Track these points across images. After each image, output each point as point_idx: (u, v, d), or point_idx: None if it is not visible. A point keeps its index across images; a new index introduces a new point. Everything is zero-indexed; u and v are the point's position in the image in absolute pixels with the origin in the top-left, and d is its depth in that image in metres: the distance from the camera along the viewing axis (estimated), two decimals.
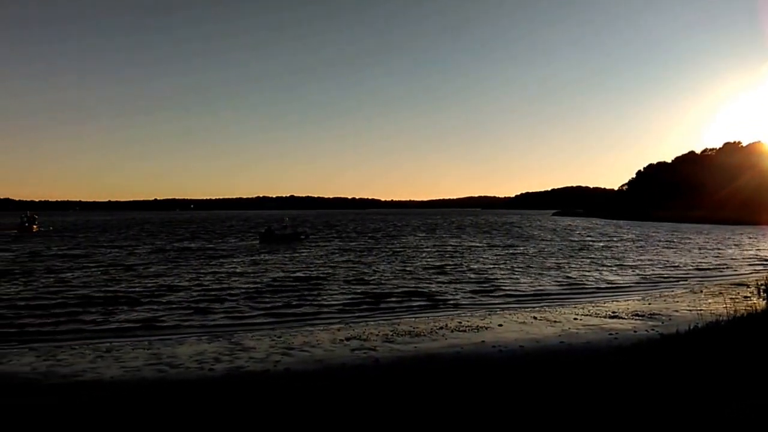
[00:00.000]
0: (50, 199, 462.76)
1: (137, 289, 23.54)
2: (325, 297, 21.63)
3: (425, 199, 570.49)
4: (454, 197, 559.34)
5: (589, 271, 30.42)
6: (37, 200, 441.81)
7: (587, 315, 17.25)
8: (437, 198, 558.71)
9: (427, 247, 48.54)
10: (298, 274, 28.76)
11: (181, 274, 28.79)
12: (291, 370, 10.76)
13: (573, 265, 33.54)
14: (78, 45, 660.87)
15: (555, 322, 16.12)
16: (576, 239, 60.46)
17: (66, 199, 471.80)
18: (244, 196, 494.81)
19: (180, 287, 24.14)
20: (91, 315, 18.17)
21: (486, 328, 15.16)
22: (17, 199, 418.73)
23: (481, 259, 37.27)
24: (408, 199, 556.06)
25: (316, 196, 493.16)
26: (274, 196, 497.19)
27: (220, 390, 9.37)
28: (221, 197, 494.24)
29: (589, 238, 61.58)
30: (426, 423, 6.94)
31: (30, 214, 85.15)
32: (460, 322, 16.08)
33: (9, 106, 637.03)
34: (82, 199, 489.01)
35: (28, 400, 9.23)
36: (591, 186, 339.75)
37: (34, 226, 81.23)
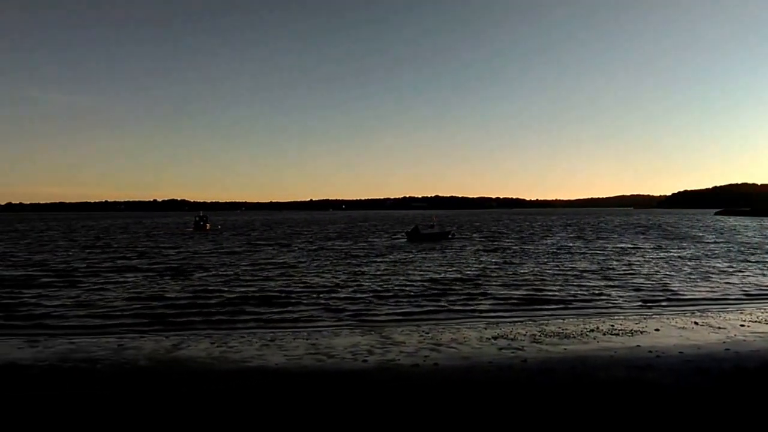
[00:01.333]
0: (219, 200, 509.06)
1: (293, 285, 25.17)
2: (471, 296, 21.69)
3: (572, 198, 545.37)
4: (604, 196, 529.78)
5: (757, 276, 27.41)
6: (208, 201, 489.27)
7: (756, 322, 15.63)
8: (585, 197, 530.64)
9: (576, 248, 46.57)
10: (444, 272, 29.07)
11: (332, 271, 30.33)
12: (440, 366, 10.99)
13: (739, 269, 30.40)
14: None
15: (719, 328, 14.80)
16: (743, 240, 54.51)
17: (233, 200, 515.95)
18: (392, 197, 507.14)
19: (330, 283, 25.47)
20: (256, 307, 19.82)
21: (641, 333, 14.32)
22: (192, 200, 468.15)
23: (636, 261, 35.03)
24: (554, 198, 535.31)
25: (460, 195, 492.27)
26: (420, 196, 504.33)
27: (375, 380, 9.84)
28: (370, 198, 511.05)
29: (757, 240, 55.23)
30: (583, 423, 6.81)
31: (203, 214, 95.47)
32: (612, 326, 15.33)
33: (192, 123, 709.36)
34: (248, 200, 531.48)
35: (207, 385, 10.32)
36: (759, 183, 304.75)
37: (207, 225, 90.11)
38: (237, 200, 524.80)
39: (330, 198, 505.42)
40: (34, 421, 5.71)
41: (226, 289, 24.07)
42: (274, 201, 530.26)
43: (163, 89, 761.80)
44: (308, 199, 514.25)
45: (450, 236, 61.09)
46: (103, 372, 11.06)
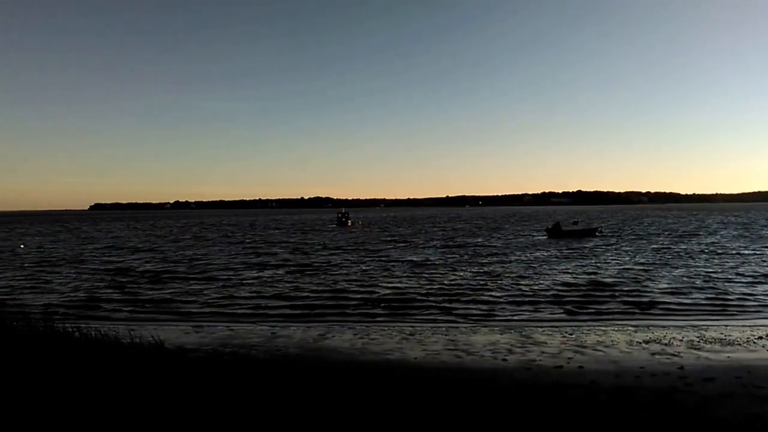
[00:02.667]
0: (360, 198, 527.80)
1: (427, 283, 25.38)
2: (618, 297, 20.51)
3: (735, 192, 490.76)
4: None
5: None
6: (350, 198, 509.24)
7: None
8: (753, 190, 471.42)
9: (738, 248, 42.10)
10: (588, 271, 27.77)
11: (466, 269, 30.19)
12: (585, 369, 10.52)
13: None
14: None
15: None
16: None
17: (372, 197, 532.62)
18: (530, 192, 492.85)
19: (466, 281, 25.36)
20: (393, 302, 20.29)
21: None
22: (335, 197, 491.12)
23: None
24: (713, 192, 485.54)
25: (605, 190, 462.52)
26: (560, 191, 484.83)
27: (516, 380, 9.65)
28: (507, 193, 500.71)
29: None
30: None
31: (345, 211, 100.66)
32: None
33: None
34: (386, 197, 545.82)
35: (352, 374, 10.72)
36: None
37: (349, 222, 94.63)
38: (376, 197, 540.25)
39: (466, 194, 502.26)
40: (203, 395, 6.35)
41: (366, 281, 24.87)
42: (411, 198, 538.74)
43: (308, 95, 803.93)
44: (444, 196, 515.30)
45: (597, 233, 57.43)
46: (258, 358, 11.92)
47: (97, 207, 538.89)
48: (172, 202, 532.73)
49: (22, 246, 54.52)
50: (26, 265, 35.98)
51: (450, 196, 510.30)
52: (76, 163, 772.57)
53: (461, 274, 27.58)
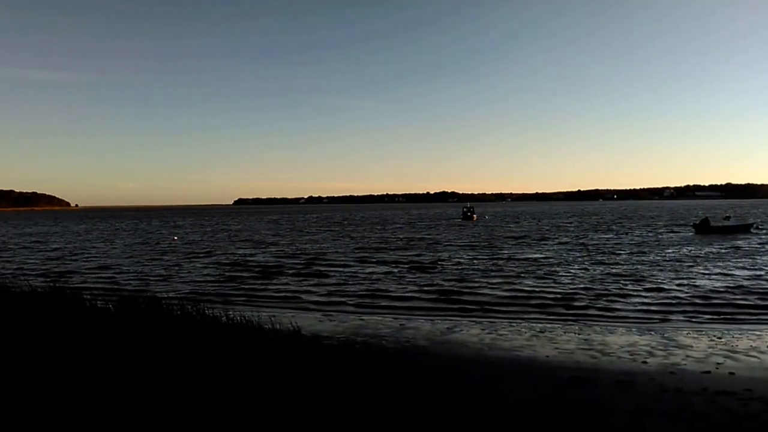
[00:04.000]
0: (486, 192, 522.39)
1: (561, 281, 24.51)
2: None
3: None
4: None
5: None
6: (476, 193, 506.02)
7: None
8: None
9: None
10: (742, 272, 25.36)
11: (602, 266, 28.77)
12: (736, 375, 9.66)
13: None
14: None
15: None
16: None
17: (498, 192, 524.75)
18: (671, 185, 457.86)
19: (600, 278, 24.19)
20: (519, 299, 19.88)
21: None
22: (460, 192, 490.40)
23: None
24: None
25: (758, 183, 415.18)
26: (706, 183, 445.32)
27: (659, 384, 9.10)
28: (645, 187, 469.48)
29: None
30: None
31: (470, 206, 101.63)
32: None
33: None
34: (513, 192, 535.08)
35: (484, 369, 10.67)
36: None
37: (474, 216, 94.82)
38: (502, 191, 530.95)
39: (599, 188, 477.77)
40: (341, 379, 6.66)
41: (490, 277, 24.57)
42: (540, 192, 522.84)
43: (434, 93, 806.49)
44: (575, 190, 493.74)
45: (753, 229, 51.72)
46: (387, 348, 12.23)
47: (240, 202, 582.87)
48: (306, 197, 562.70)
49: (175, 238, 60.00)
50: (186, 249, 39.48)
51: (582, 189, 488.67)
52: (221, 164, 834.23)
53: (595, 272, 26.36)
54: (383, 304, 19.40)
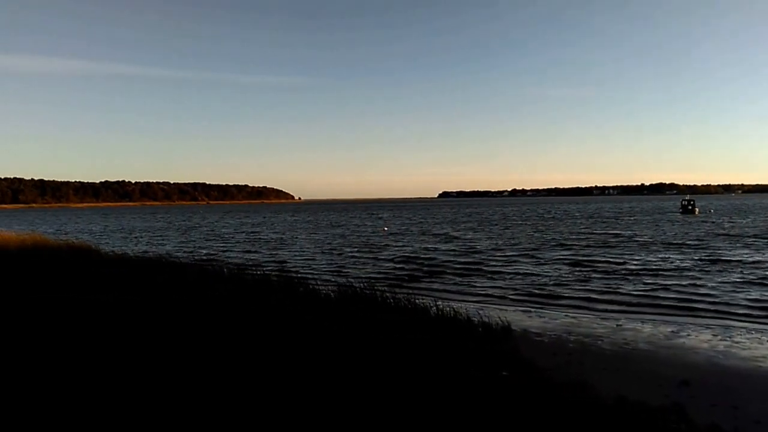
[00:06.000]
0: (711, 183, 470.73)
1: None
2: None
3: None
4: None
5: None
6: (699, 184, 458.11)
7: None
8: None
9: None
10: None
11: None
12: None
13: None
14: None
15: None
16: None
17: (727, 183, 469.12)
18: None
19: None
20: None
21: None
22: (680, 183, 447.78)
23: None
24: None
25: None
26: None
27: None
28: None
29: None
30: None
31: (690, 198, 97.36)
32: None
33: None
34: (744, 183, 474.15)
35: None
36: None
37: (696, 210, 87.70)
38: (731, 183, 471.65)
39: None
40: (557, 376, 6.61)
41: (735, 274, 22.06)
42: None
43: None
44: None
45: None
46: (604, 350, 11.70)
47: (445, 195, 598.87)
48: (509, 189, 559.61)
49: (386, 228, 63.78)
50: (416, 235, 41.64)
51: None
52: (428, 158, 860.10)
53: None
54: (598, 306, 18.19)
